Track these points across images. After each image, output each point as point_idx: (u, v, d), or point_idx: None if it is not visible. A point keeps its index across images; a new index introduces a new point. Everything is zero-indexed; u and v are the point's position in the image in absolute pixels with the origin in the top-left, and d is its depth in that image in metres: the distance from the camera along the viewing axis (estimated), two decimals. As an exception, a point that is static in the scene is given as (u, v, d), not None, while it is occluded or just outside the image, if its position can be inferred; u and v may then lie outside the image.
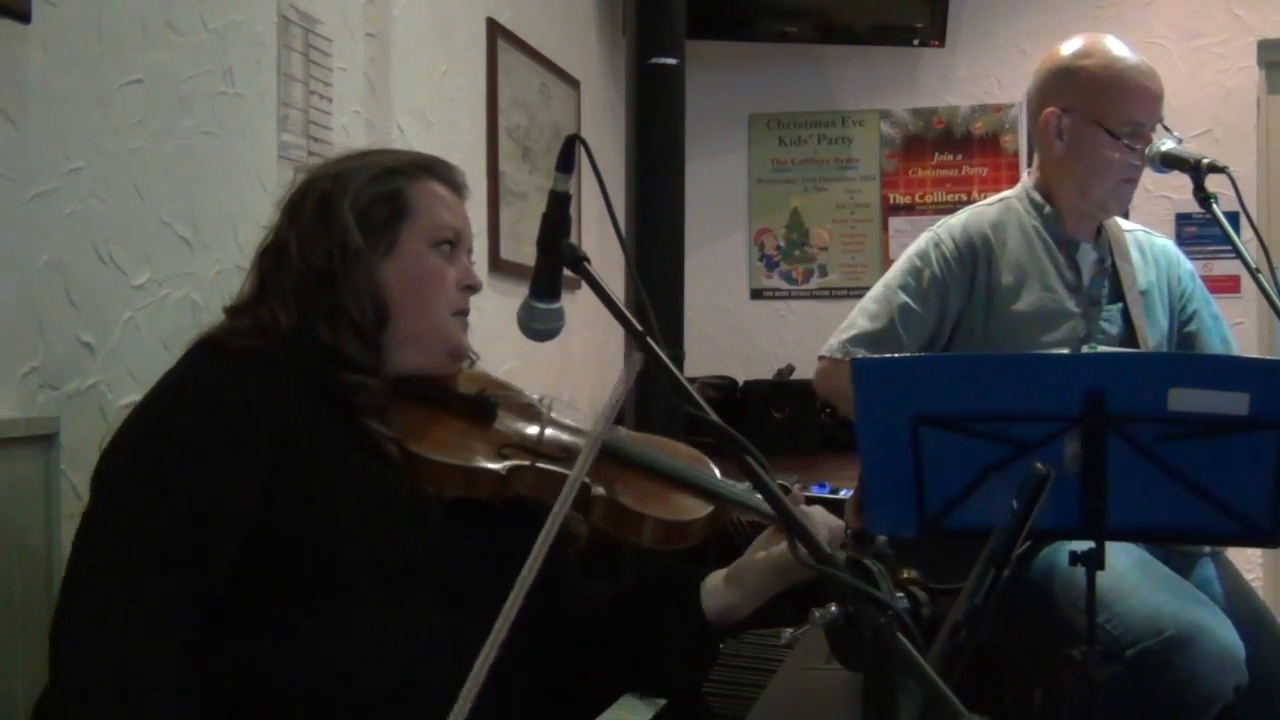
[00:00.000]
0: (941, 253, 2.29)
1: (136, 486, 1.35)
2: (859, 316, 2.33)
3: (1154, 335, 2.30)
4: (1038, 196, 2.34)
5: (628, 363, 1.25)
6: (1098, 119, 2.23)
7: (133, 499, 1.34)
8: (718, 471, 1.60)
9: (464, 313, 1.57)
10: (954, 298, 2.28)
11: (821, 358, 2.37)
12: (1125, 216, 2.46)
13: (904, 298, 2.28)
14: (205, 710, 1.30)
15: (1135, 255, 2.35)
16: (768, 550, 1.53)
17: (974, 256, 2.28)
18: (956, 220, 2.35)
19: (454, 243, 1.56)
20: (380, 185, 1.53)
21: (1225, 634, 1.91)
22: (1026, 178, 2.40)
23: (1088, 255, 2.30)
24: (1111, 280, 2.31)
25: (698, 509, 1.55)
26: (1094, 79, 2.25)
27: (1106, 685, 1.88)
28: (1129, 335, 2.28)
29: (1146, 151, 2.20)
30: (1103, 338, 2.26)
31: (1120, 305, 2.29)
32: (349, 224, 1.49)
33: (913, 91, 4.49)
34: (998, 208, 2.36)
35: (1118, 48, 2.27)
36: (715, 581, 1.55)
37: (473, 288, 1.57)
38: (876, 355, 2.21)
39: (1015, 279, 2.27)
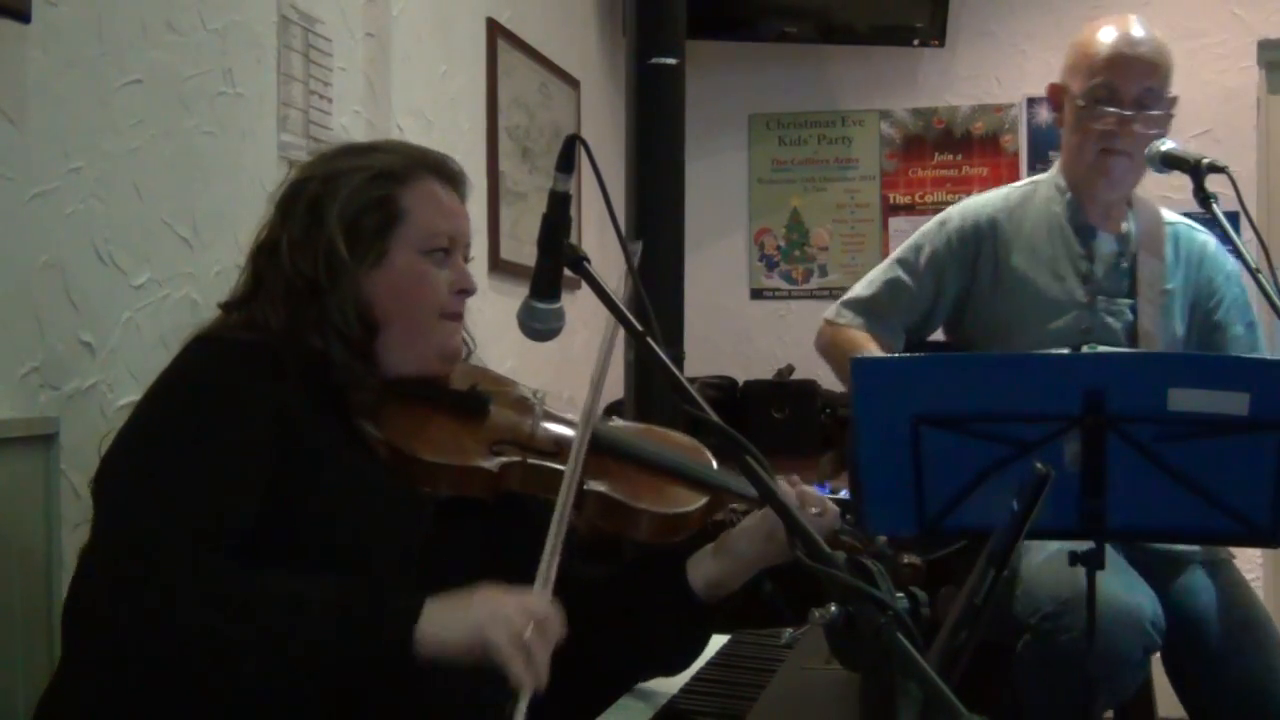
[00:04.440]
0: (946, 232, 2.32)
1: (149, 461, 1.33)
2: (859, 283, 2.41)
3: (1164, 337, 2.26)
4: (1062, 182, 2.35)
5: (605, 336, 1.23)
6: (1074, 88, 2.25)
7: (144, 473, 1.31)
8: (714, 461, 1.59)
9: (456, 315, 1.55)
10: (951, 277, 2.31)
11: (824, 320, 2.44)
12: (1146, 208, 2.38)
13: (899, 272, 2.35)
14: (208, 701, 1.29)
15: (1169, 253, 2.31)
16: (762, 518, 1.52)
17: (979, 239, 2.31)
18: (973, 201, 2.39)
19: (449, 248, 1.53)
20: (372, 191, 1.49)
21: (1125, 596, 1.92)
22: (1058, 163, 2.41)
23: (1104, 245, 2.29)
24: (1130, 274, 2.28)
25: (693, 500, 1.54)
26: (1074, 48, 2.28)
27: (1026, 657, 1.97)
28: (1135, 332, 2.24)
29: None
30: (1106, 331, 2.24)
31: (1133, 301, 2.26)
32: (335, 236, 1.46)
33: (913, 91, 4.48)
34: (1024, 189, 2.38)
35: (1124, 24, 2.25)
36: (702, 555, 1.54)
37: (466, 291, 1.54)
38: (876, 355, 2.22)
39: (1026, 263, 2.28)
